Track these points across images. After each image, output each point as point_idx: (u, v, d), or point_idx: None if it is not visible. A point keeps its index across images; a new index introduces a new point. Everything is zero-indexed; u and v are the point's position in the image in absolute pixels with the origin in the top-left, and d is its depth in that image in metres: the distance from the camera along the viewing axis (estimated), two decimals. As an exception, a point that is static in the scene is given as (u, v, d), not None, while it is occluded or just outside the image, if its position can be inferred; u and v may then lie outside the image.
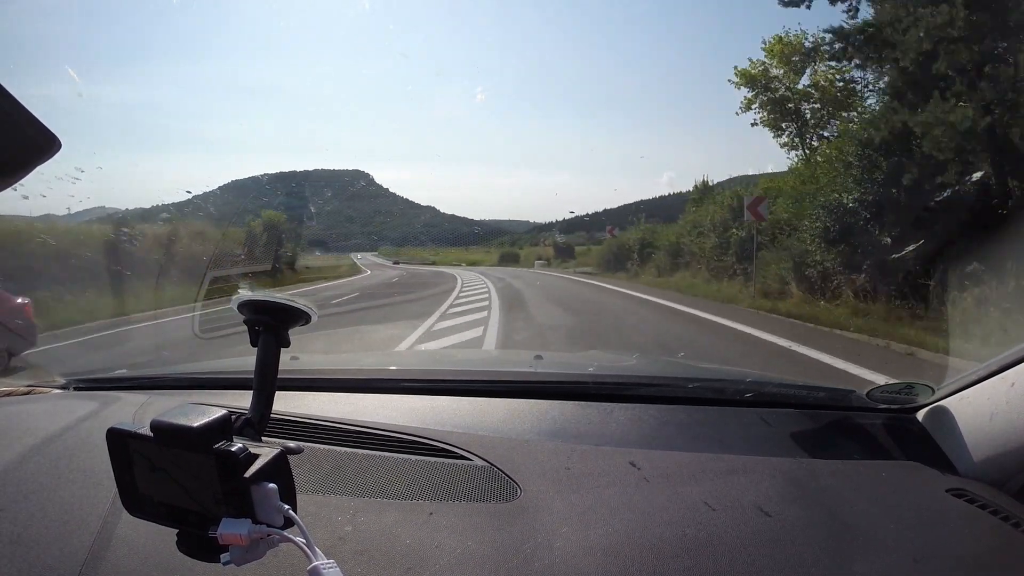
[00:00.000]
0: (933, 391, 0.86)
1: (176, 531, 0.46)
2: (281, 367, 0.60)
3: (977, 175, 6.62)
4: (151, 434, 0.45)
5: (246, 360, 1.18)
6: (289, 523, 0.45)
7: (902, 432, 0.88)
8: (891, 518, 0.67)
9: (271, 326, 0.59)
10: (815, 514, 0.67)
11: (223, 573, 0.50)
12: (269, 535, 0.44)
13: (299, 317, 0.59)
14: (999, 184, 6.45)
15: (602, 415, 0.96)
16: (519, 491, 0.72)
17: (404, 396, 1.07)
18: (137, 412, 0.98)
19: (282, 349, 0.60)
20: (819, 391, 1.02)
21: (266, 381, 0.59)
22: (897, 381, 0.88)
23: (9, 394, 1.13)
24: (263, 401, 0.58)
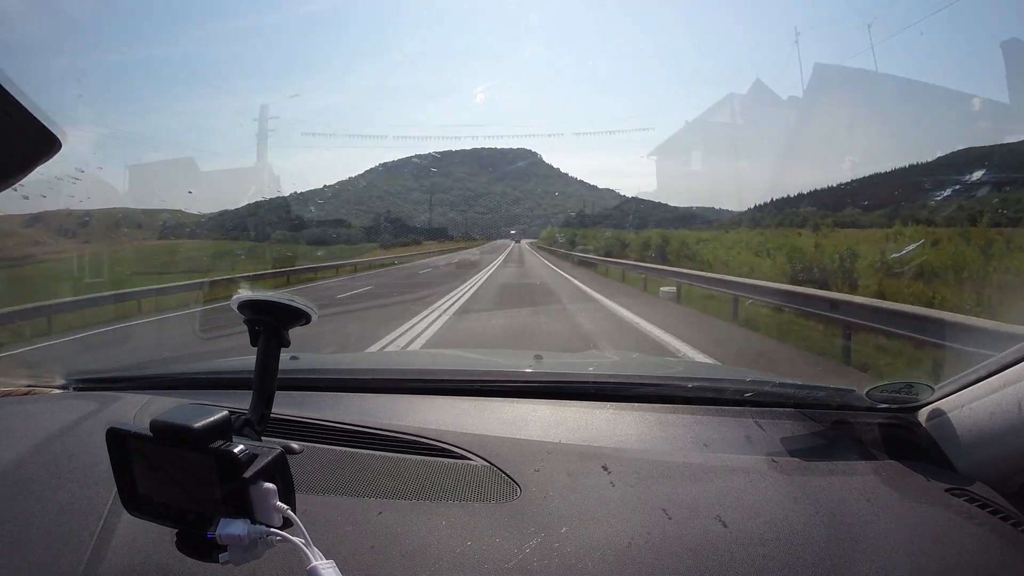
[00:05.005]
0: (933, 390, 0.85)
1: (175, 531, 0.46)
2: (281, 367, 0.60)
3: None
4: (151, 434, 0.45)
5: (246, 360, 1.18)
6: (288, 523, 0.45)
7: (902, 431, 0.88)
8: (891, 517, 0.67)
9: (271, 326, 0.59)
10: (816, 513, 0.67)
11: (222, 573, 0.50)
12: (268, 535, 0.44)
13: (299, 317, 0.59)
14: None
15: (602, 415, 0.96)
16: (519, 491, 0.72)
17: (404, 396, 1.07)
18: (137, 412, 0.98)
19: (282, 349, 0.60)
20: (819, 390, 1.01)
21: (266, 381, 0.58)
22: (897, 380, 0.88)
23: (9, 394, 1.13)
24: (263, 401, 0.58)
